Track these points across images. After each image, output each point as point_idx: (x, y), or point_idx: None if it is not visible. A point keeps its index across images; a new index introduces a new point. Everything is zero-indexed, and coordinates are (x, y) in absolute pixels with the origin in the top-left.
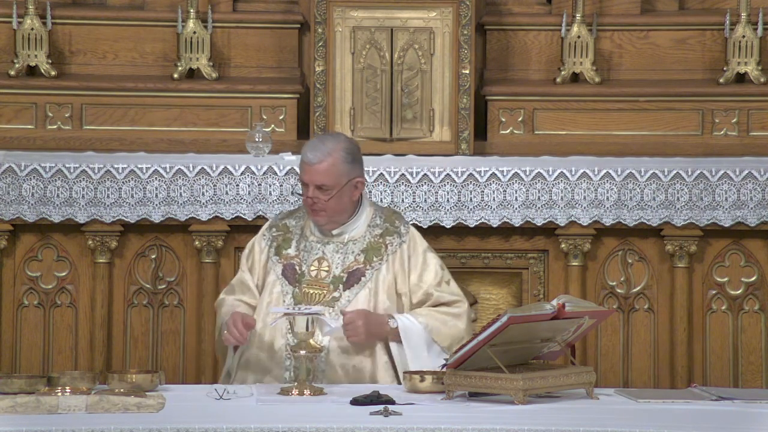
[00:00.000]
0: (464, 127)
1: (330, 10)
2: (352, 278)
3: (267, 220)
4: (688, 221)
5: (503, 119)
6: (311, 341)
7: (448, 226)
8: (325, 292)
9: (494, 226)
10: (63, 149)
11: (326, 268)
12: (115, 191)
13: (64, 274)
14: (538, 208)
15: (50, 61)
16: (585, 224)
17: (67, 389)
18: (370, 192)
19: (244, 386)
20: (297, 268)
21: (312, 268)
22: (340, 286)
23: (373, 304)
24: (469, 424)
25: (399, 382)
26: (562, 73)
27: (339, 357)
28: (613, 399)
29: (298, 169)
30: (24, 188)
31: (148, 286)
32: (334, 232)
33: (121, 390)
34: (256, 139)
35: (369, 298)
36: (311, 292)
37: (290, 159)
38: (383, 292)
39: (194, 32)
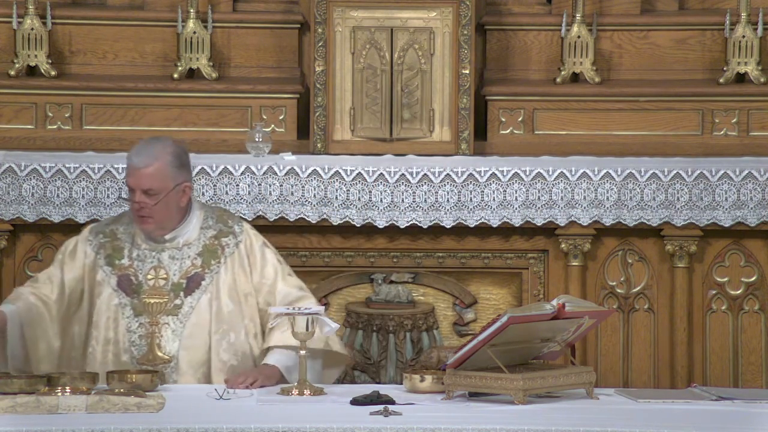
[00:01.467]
0: (464, 127)
1: (330, 10)
2: (191, 283)
3: (267, 219)
4: (688, 221)
5: (503, 119)
6: (158, 353)
7: (448, 226)
8: (166, 300)
9: (494, 226)
10: (63, 149)
11: (164, 276)
12: (115, 191)
13: None
14: (538, 208)
15: (50, 61)
16: (585, 224)
17: (67, 389)
18: (370, 192)
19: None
20: (132, 278)
21: (149, 277)
22: (181, 293)
23: (216, 308)
24: (469, 424)
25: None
26: (562, 73)
27: (189, 367)
28: (613, 399)
29: (301, 169)
30: (24, 188)
31: None
32: (167, 237)
33: (121, 390)
34: (256, 139)
35: (211, 302)
36: (152, 302)
37: (290, 159)
38: (225, 295)
39: (194, 32)
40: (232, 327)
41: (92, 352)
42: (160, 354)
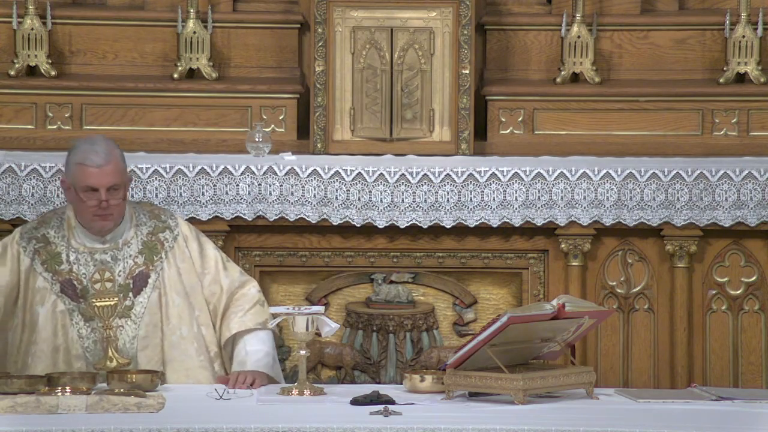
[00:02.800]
0: (464, 127)
1: (330, 10)
2: (138, 282)
3: (267, 219)
4: (688, 221)
5: (503, 119)
6: (116, 356)
7: (448, 226)
8: (115, 302)
9: (494, 226)
10: (63, 149)
11: (109, 278)
12: None
13: None
14: (538, 208)
15: (50, 61)
16: (585, 224)
17: (67, 389)
18: (370, 192)
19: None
20: (76, 283)
21: (94, 280)
22: (130, 294)
23: (165, 304)
24: (469, 424)
25: (213, 378)
26: (562, 73)
27: (149, 367)
28: (613, 399)
29: (301, 169)
30: (24, 188)
31: None
32: (107, 237)
33: (121, 390)
34: (256, 139)
35: (160, 299)
36: (102, 305)
37: (290, 159)
38: (172, 291)
39: (194, 32)
40: (182, 321)
41: (41, 358)
42: (117, 357)
